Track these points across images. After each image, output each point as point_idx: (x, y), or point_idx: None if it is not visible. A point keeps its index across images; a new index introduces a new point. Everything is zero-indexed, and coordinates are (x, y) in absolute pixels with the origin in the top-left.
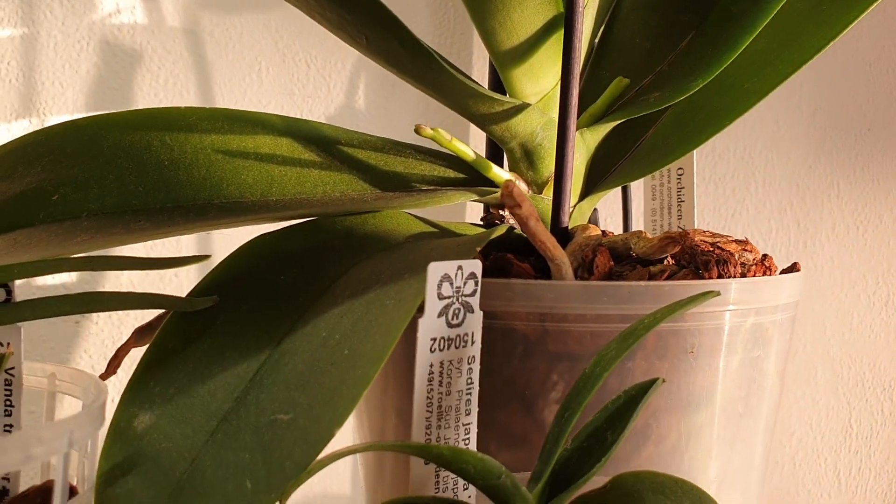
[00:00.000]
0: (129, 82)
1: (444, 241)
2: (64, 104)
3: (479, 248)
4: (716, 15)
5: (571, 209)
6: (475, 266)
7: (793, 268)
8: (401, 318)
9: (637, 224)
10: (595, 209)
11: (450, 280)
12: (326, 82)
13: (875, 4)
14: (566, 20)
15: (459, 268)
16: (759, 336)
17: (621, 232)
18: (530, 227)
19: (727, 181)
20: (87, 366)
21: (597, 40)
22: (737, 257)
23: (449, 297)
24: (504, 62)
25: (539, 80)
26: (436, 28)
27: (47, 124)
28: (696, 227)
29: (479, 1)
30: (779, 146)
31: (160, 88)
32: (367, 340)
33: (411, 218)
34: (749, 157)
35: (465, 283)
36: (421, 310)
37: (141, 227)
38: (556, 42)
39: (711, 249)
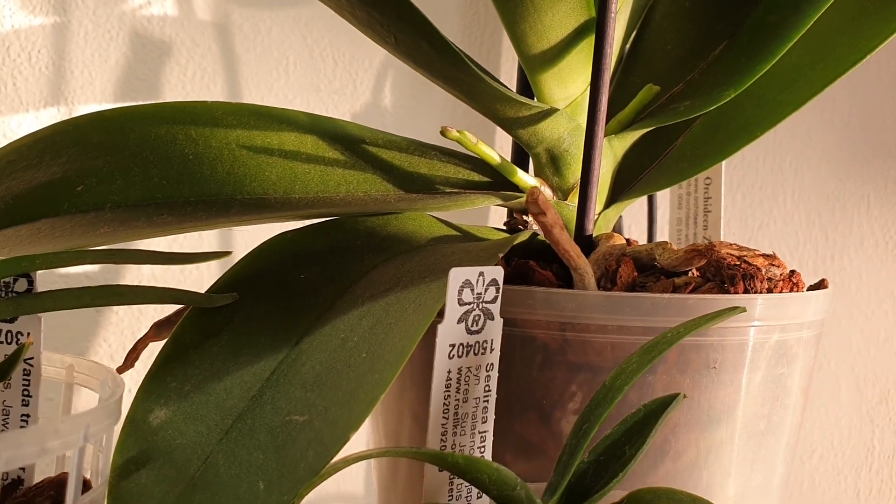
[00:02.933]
0: (157, 74)
1: (467, 246)
2: (92, 94)
3: (501, 255)
4: (750, 24)
5: (596, 217)
6: (497, 273)
7: (820, 284)
8: (420, 323)
9: (662, 233)
10: (620, 217)
11: (471, 286)
12: (353, 79)
13: None
14: (598, 25)
15: (481, 274)
16: (784, 353)
17: (646, 241)
18: (554, 235)
19: (755, 192)
20: (105, 355)
21: (628, 46)
22: (763, 272)
23: (469, 304)
24: (533, 66)
25: (568, 86)
26: (465, 28)
27: (75, 113)
28: (721, 239)
29: (510, 4)
30: (809, 158)
31: (188, 81)
32: (386, 343)
33: (434, 220)
34: (779, 169)
35: (486, 290)
36: (441, 315)
37: (164, 220)
38: (586, 47)
39: (738, 263)
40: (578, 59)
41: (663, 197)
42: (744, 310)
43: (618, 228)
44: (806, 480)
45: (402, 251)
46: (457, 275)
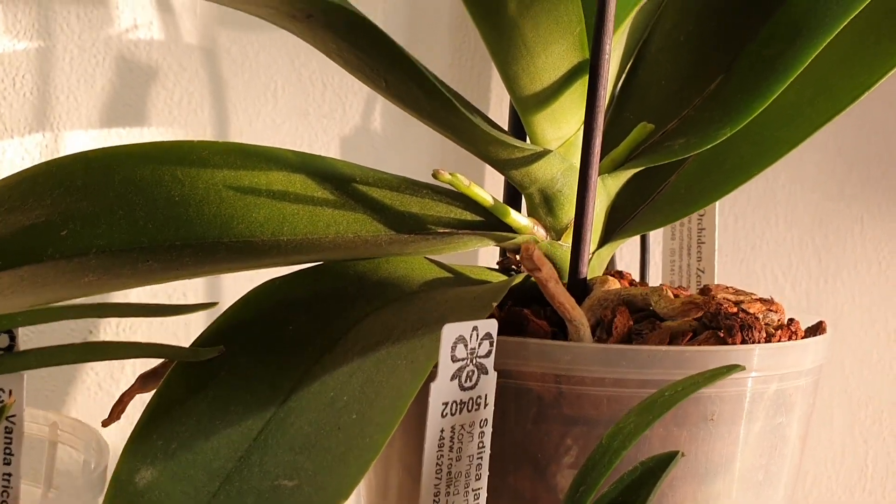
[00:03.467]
0: (143, 99)
1: (460, 292)
2: (78, 119)
3: (495, 304)
4: (746, 58)
5: (590, 257)
6: (491, 326)
7: (818, 327)
8: (412, 383)
9: (655, 263)
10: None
11: (464, 342)
12: (342, 104)
13: None
14: (591, 67)
15: (475, 328)
16: (782, 402)
17: (639, 270)
18: (549, 289)
19: (748, 215)
20: (93, 383)
21: (621, 81)
22: (761, 318)
23: (463, 360)
24: (526, 106)
25: (561, 126)
26: (455, 51)
27: (61, 139)
28: (716, 269)
29: (502, 46)
30: (803, 180)
31: (175, 106)
32: (377, 405)
33: (425, 262)
34: (771, 191)
35: (479, 345)
36: (433, 373)
37: (149, 267)
38: (580, 87)
39: (735, 311)
40: (572, 99)
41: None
42: (743, 368)
43: (610, 262)
44: (800, 503)
45: (394, 298)
46: (450, 331)
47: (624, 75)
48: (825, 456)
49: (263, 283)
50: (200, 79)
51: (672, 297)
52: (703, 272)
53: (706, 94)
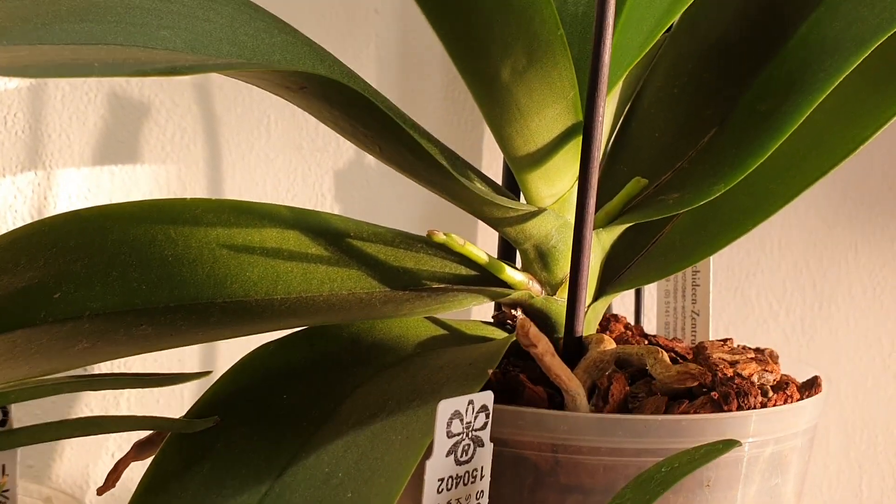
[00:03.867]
0: (136, 135)
1: (455, 356)
2: (70, 157)
3: (490, 371)
4: (741, 112)
5: (585, 310)
6: (486, 398)
7: (813, 382)
8: (408, 461)
9: (650, 304)
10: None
11: (460, 416)
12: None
13: None
14: (585, 129)
15: (470, 402)
16: (778, 463)
17: (633, 310)
18: (545, 362)
19: (742, 241)
20: (86, 439)
21: (615, 134)
22: (756, 379)
23: (459, 434)
24: (520, 166)
25: (555, 183)
26: (448, 111)
27: (53, 178)
28: (710, 312)
29: (496, 110)
30: (797, 206)
31: (167, 142)
32: (373, 483)
33: (421, 319)
34: None
35: (475, 418)
36: (429, 449)
37: (143, 332)
38: (574, 146)
39: (731, 376)
40: (565, 158)
41: None
42: (739, 444)
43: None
44: None
45: (389, 363)
46: (445, 407)
47: (617, 128)
48: (820, 480)
49: (258, 349)
50: (193, 114)
51: (668, 361)
52: (697, 314)
53: (700, 147)
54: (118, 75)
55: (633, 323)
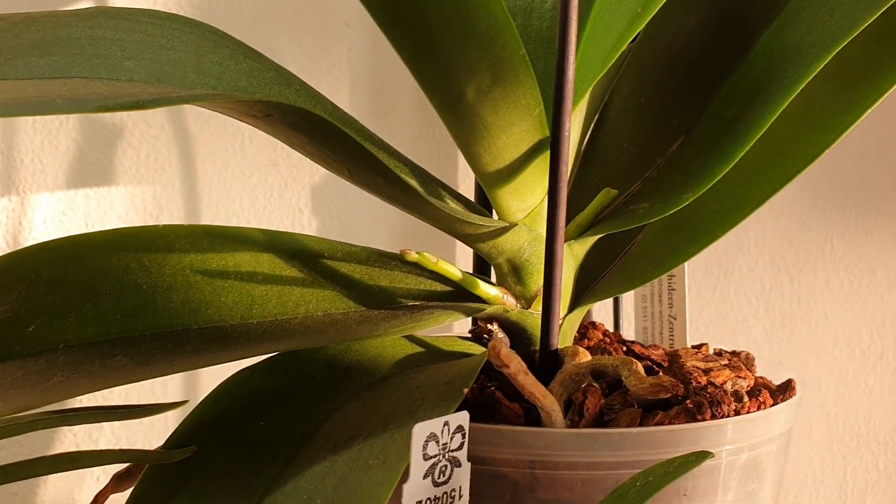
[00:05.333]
0: (109, 157)
1: (431, 375)
2: (44, 182)
3: (466, 390)
4: (707, 119)
5: (561, 321)
6: (462, 419)
7: (787, 385)
8: (385, 486)
9: (627, 308)
10: None
11: (436, 438)
12: None
13: (868, 112)
14: (552, 144)
15: (446, 424)
16: (754, 469)
17: (613, 319)
18: (519, 381)
19: (719, 241)
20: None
21: (584, 144)
22: (730, 387)
23: (435, 456)
24: (490, 182)
25: (525, 198)
26: (421, 127)
27: (27, 203)
28: (687, 315)
29: (463, 129)
30: (771, 204)
31: (141, 163)
32: None
33: (396, 337)
34: None
35: (451, 439)
36: (405, 472)
37: (118, 363)
38: (542, 161)
39: (705, 385)
40: (534, 173)
41: None
42: (712, 455)
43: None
44: None
45: (366, 385)
46: (421, 430)
47: (586, 139)
48: (805, 473)
49: (235, 374)
50: (167, 134)
51: (642, 373)
52: (675, 318)
53: (668, 156)
54: (81, 111)
55: (612, 329)
